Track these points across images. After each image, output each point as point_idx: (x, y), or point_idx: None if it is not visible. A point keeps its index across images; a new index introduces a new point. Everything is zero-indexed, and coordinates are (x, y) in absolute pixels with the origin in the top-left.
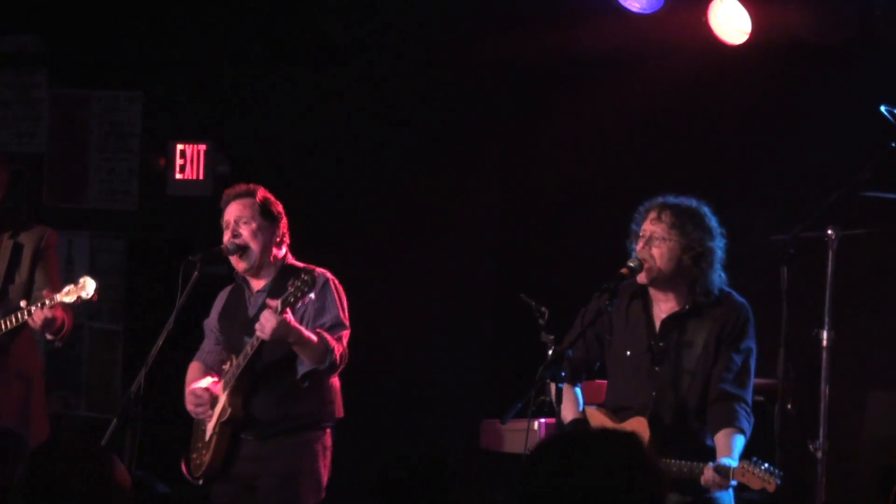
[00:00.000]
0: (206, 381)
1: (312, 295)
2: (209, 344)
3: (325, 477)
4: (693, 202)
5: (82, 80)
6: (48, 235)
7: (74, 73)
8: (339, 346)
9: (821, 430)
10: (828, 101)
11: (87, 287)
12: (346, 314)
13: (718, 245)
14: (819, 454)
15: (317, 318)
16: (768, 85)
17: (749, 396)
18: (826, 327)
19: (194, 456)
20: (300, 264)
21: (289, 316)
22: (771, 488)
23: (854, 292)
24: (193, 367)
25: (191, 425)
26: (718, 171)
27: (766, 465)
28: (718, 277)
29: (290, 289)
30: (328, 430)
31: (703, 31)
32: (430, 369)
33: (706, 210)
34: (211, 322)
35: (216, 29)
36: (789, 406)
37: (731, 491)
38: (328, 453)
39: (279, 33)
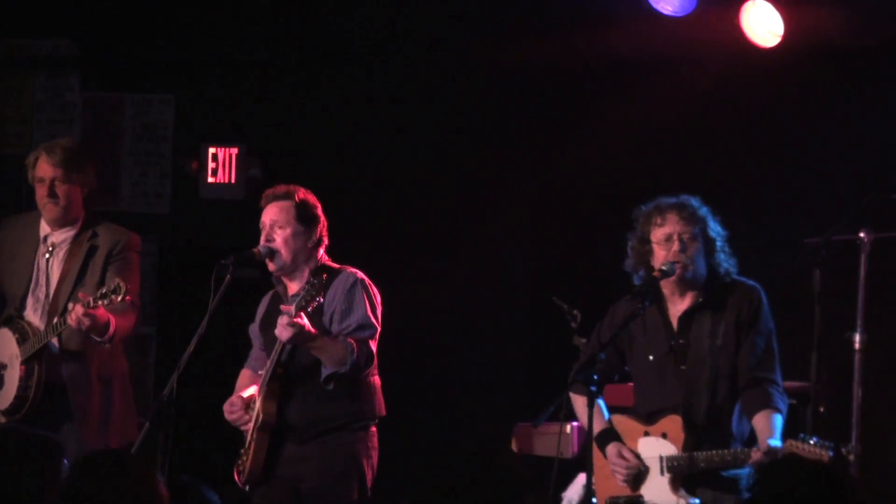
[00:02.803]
0: (250, 390)
1: (321, 298)
2: (255, 350)
3: (369, 476)
4: (691, 197)
5: (115, 84)
6: (127, 239)
7: (107, 77)
8: (361, 347)
9: (853, 432)
10: (860, 103)
11: (118, 289)
12: (377, 314)
13: (723, 234)
14: (851, 457)
15: (343, 320)
16: (801, 87)
17: (778, 377)
18: (858, 330)
19: (240, 462)
20: (335, 265)
21: (302, 320)
22: (825, 461)
23: (887, 295)
24: (243, 374)
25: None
26: (751, 173)
27: (815, 438)
28: (728, 264)
29: (301, 292)
30: (370, 429)
31: (734, 33)
32: (463, 372)
33: (700, 201)
34: (255, 328)
35: (248, 32)
36: (822, 409)
37: None
38: (372, 452)
39: (311, 36)
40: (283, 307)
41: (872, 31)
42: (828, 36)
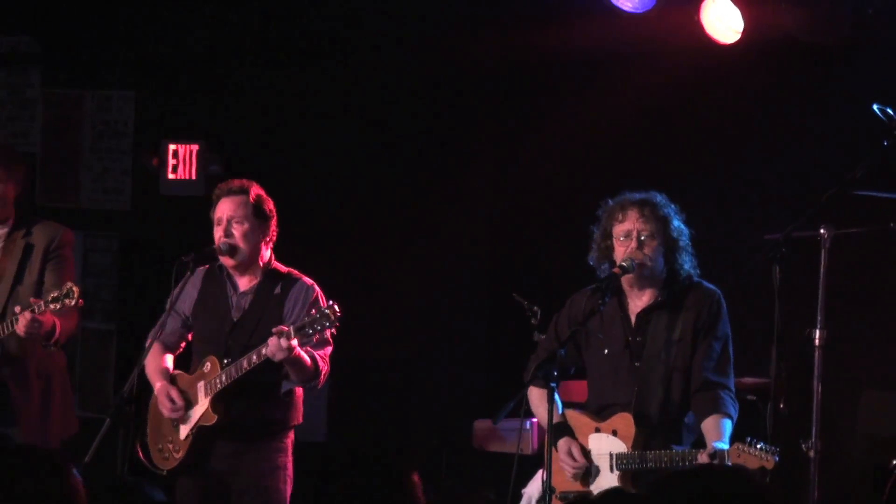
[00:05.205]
0: (169, 361)
1: (329, 332)
2: (174, 325)
3: (292, 472)
4: (658, 194)
5: (75, 80)
6: (61, 235)
7: (67, 73)
8: (325, 367)
9: (813, 428)
10: (820, 100)
11: (71, 293)
12: None
13: (686, 233)
14: (812, 453)
15: None
16: (761, 84)
17: (731, 383)
18: (819, 326)
19: (161, 447)
20: (283, 268)
21: (294, 342)
22: (769, 466)
23: (847, 291)
24: (156, 349)
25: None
26: (711, 170)
27: (761, 444)
28: (690, 265)
29: (307, 319)
30: (292, 433)
31: (695, 30)
32: (423, 369)
33: (667, 199)
34: (182, 305)
35: (209, 29)
36: (782, 405)
37: None
38: (292, 452)
39: (272, 32)
40: (275, 329)
41: (831, 28)
42: (788, 32)
